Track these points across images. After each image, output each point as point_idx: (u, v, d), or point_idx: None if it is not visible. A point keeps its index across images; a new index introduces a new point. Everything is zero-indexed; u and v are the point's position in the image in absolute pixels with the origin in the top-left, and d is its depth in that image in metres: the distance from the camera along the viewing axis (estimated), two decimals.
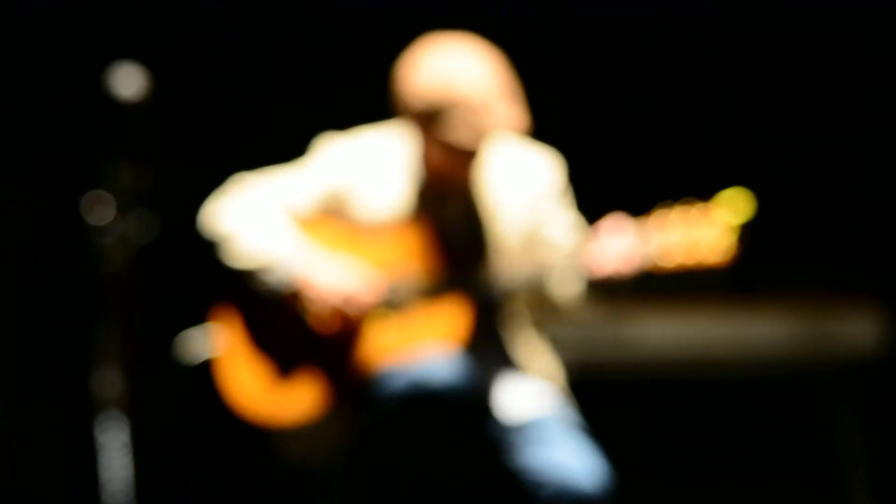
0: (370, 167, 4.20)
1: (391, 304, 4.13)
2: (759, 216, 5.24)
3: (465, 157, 4.07)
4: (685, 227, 3.95)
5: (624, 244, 3.99)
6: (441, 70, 4.02)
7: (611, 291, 4.10)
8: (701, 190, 4.06)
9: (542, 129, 4.46)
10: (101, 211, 3.94)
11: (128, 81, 3.95)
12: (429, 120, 4.02)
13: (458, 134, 4.00)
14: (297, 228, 4.23)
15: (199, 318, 4.60)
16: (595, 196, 4.77)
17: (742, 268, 5.46)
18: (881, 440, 5.84)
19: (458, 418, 4.01)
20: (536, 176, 4.25)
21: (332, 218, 4.23)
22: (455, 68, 4.02)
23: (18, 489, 6.02)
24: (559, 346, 5.55)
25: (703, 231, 3.93)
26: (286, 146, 4.60)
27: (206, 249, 4.62)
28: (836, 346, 5.58)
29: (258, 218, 4.19)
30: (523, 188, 4.24)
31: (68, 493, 5.98)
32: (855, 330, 5.58)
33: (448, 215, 4.21)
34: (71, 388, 5.45)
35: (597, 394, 5.78)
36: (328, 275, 4.12)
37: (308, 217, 4.25)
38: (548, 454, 4.06)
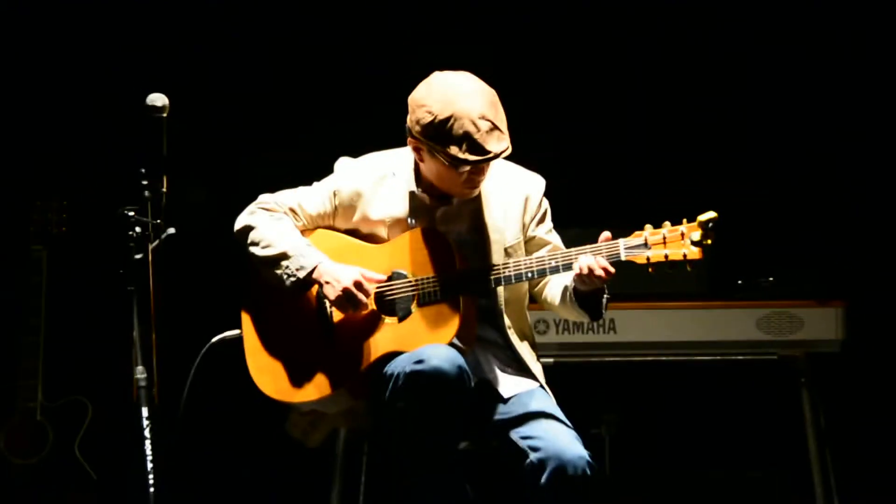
0: (379, 179, 4.44)
1: (395, 308, 4.33)
2: (737, 231, 5.48)
3: (463, 170, 4.27)
4: (664, 240, 4.20)
5: (608, 252, 4.23)
6: (446, 92, 4.24)
7: (596, 293, 4.34)
8: (678, 212, 4.33)
9: (550, 158, 4.78)
10: (131, 217, 4.11)
11: (155, 106, 4.13)
12: (433, 134, 4.24)
13: (457, 148, 4.22)
14: (308, 238, 4.43)
15: (219, 311, 4.84)
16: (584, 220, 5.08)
17: (720, 274, 5.79)
18: (837, 420, 6.11)
19: (458, 392, 4.13)
20: (526, 191, 4.48)
21: (339, 231, 4.46)
22: (458, 91, 4.24)
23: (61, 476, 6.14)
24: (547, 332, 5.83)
25: (680, 239, 4.19)
26: (301, 163, 4.84)
27: (226, 252, 4.84)
28: (802, 340, 5.87)
29: (278, 221, 4.42)
30: (516, 202, 4.47)
31: (109, 479, 6.12)
32: (816, 326, 5.85)
33: (449, 225, 4.43)
34: (111, 380, 5.64)
35: (583, 375, 6.01)
36: (338, 265, 4.34)
37: (320, 228, 4.47)
38: (540, 424, 4.27)
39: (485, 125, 4.21)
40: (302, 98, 6.86)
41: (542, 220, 4.53)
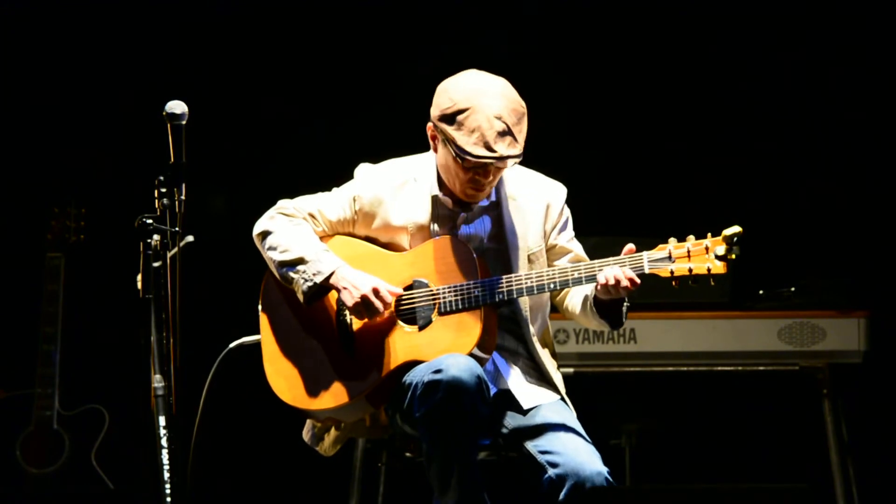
0: (400, 185, 4.42)
1: (415, 316, 4.31)
2: (759, 241, 5.47)
3: (468, 166, 4.25)
4: (688, 253, 4.19)
5: (631, 264, 4.22)
6: (474, 86, 4.26)
7: (616, 302, 4.32)
8: (700, 221, 4.38)
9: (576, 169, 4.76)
10: (149, 224, 4.06)
11: (174, 113, 4.07)
12: (448, 120, 4.24)
13: (465, 140, 4.22)
14: (328, 245, 4.41)
15: (237, 319, 4.92)
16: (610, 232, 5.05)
17: (741, 284, 5.79)
18: (860, 431, 6.16)
19: (476, 402, 4.09)
20: (548, 199, 4.47)
21: (359, 238, 4.45)
22: (486, 89, 4.25)
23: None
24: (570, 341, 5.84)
25: (705, 253, 4.17)
26: (320, 169, 4.87)
27: (245, 260, 4.90)
28: (824, 351, 5.91)
29: (297, 227, 4.41)
30: (537, 209, 4.45)
31: (126, 488, 6.15)
32: (839, 336, 5.89)
33: (471, 231, 4.42)
34: (129, 389, 5.67)
35: (603, 386, 6.05)
36: (356, 272, 4.32)
37: (339, 234, 4.46)
38: (559, 439, 4.25)
39: (499, 125, 4.21)
40: (320, 104, 6.87)
41: (563, 229, 4.52)
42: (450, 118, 4.25)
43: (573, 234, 4.56)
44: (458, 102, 4.24)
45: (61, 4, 6.72)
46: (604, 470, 4.19)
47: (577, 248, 4.53)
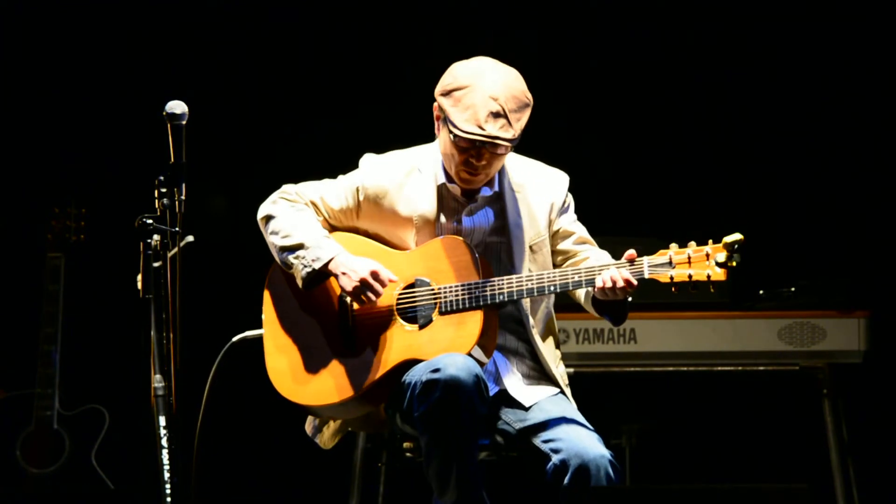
0: (405, 175, 4.42)
1: (416, 315, 4.30)
2: (759, 241, 5.48)
3: (460, 145, 4.26)
4: (689, 260, 4.20)
5: (631, 270, 4.22)
6: (481, 70, 4.29)
7: (619, 303, 4.33)
8: (701, 221, 4.42)
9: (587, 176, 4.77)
10: (149, 225, 4.07)
11: (175, 113, 4.08)
12: (447, 95, 4.27)
13: (459, 116, 4.24)
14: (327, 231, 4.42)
15: (237, 319, 4.86)
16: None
17: (742, 284, 5.81)
18: (860, 431, 6.17)
19: (474, 401, 4.09)
20: (551, 188, 4.48)
21: (360, 229, 4.45)
22: (491, 73, 4.28)
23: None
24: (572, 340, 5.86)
25: (705, 260, 4.18)
26: (321, 167, 4.81)
27: (244, 260, 4.93)
28: (824, 351, 5.94)
29: (299, 213, 4.41)
30: (540, 199, 4.45)
31: (126, 488, 6.16)
32: (839, 336, 5.92)
33: (475, 223, 4.42)
34: (129, 389, 5.59)
35: (603, 385, 6.08)
36: (354, 257, 4.32)
37: (342, 224, 4.46)
38: (561, 428, 4.25)
39: (493, 106, 4.24)
40: (321, 104, 6.89)
41: (565, 212, 4.53)
42: (449, 94, 4.29)
43: (576, 217, 4.56)
44: (459, 79, 4.29)
45: (61, 4, 6.73)
46: (607, 453, 4.20)
47: (581, 230, 4.53)
